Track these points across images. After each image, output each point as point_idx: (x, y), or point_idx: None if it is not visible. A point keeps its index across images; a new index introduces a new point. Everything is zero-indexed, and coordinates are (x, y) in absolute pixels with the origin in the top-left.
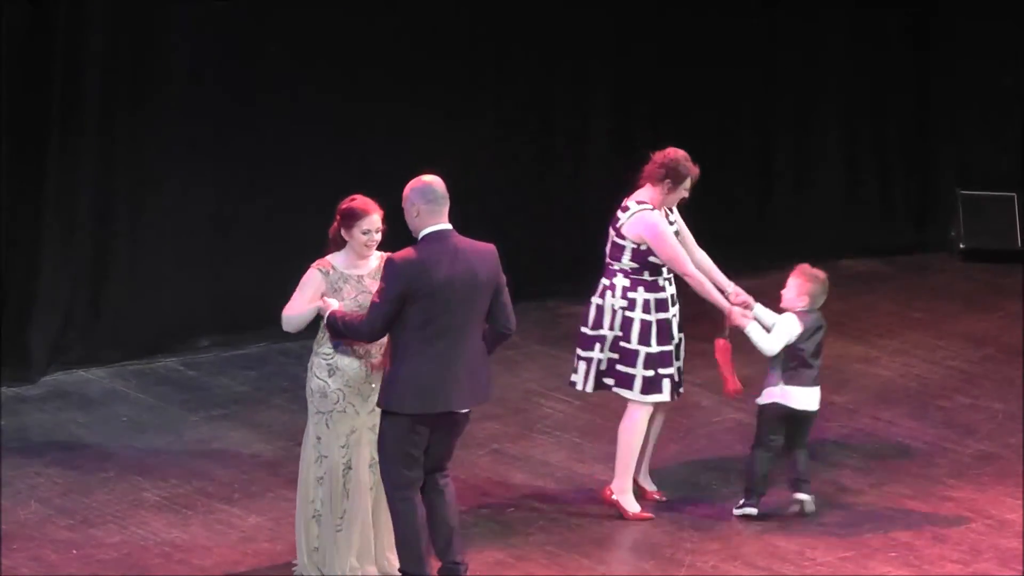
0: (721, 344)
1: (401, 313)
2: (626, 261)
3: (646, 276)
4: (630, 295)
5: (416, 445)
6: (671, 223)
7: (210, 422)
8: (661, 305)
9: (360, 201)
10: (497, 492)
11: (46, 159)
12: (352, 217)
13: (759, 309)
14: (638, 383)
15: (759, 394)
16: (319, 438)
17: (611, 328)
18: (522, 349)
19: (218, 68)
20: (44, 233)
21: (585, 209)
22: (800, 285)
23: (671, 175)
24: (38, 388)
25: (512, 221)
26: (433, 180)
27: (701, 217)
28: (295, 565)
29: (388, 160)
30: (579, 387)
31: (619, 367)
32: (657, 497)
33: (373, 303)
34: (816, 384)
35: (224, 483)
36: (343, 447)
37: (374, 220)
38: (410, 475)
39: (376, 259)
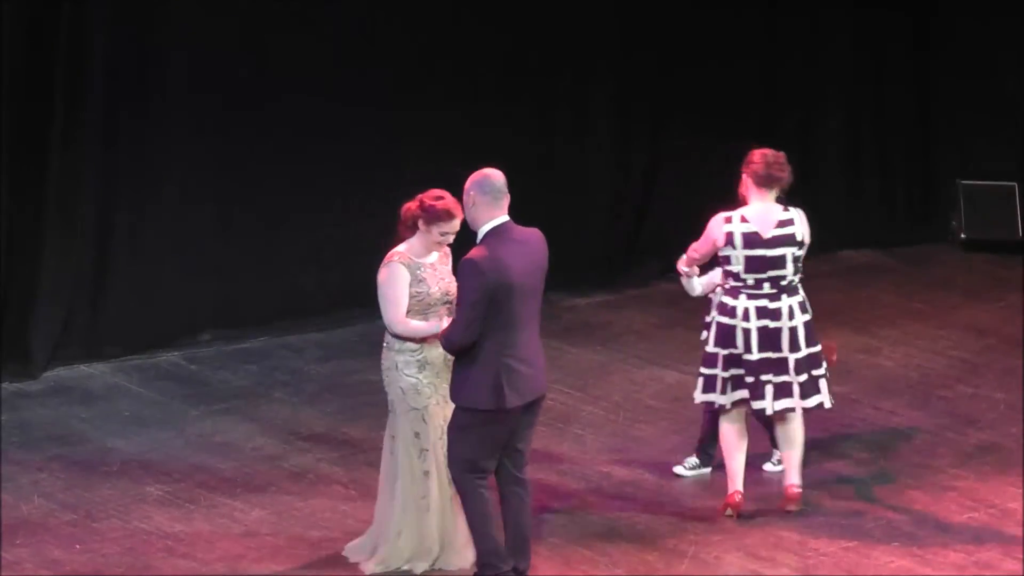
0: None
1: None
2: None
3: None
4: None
5: (495, 439)
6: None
7: (212, 416)
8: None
9: (449, 202)
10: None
11: (48, 152)
12: (437, 217)
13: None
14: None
15: None
16: (417, 434)
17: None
18: None
19: (220, 61)
20: (46, 228)
21: (585, 207)
22: None
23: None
24: (40, 384)
25: (515, 218)
26: (491, 172)
27: (701, 206)
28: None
29: (388, 153)
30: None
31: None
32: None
33: (460, 307)
34: None
35: (226, 477)
36: (441, 438)
37: (455, 225)
38: (486, 465)
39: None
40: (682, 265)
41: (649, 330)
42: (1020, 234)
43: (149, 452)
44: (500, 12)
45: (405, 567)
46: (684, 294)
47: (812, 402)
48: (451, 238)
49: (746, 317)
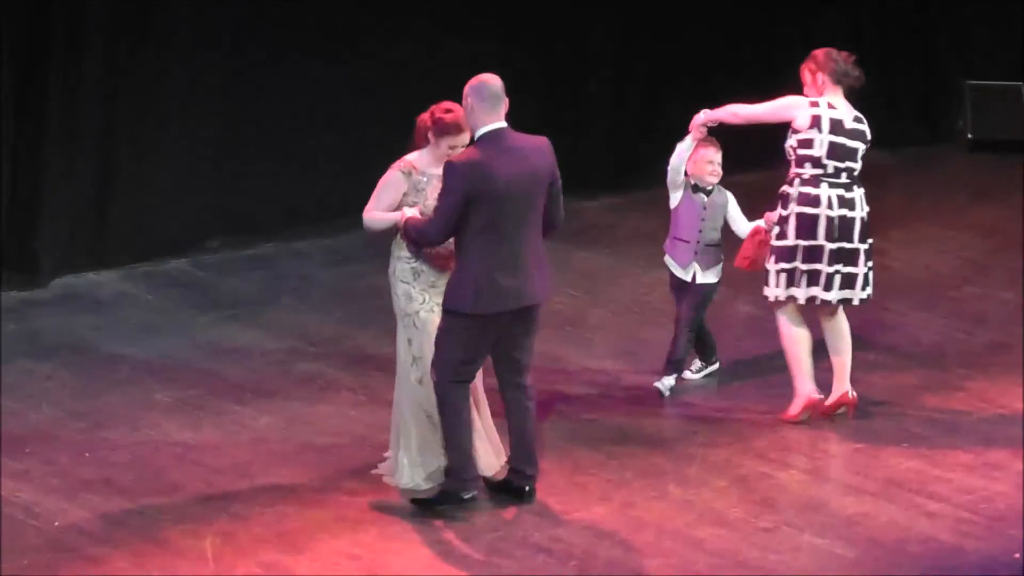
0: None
1: (464, 215)
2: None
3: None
4: None
5: (477, 345)
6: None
7: (220, 323)
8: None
9: (457, 115)
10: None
11: (51, 60)
12: (445, 130)
13: None
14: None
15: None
16: (410, 340)
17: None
18: None
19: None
20: (50, 136)
21: (591, 109)
22: None
23: (822, 70)
24: (47, 292)
25: (519, 121)
26: (488, 77)
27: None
28: (378, 470)
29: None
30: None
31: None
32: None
33: (437, 206)
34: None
35: (235, 384)
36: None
37: (464, 139)
38: (466, 370)
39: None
40: (706, 117)
41: (657, 232)
42: None
43: (157, 359)
44: None
45: (408, 483)
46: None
47: (865, 294)
48: (460, 151)
49: (830, 205)
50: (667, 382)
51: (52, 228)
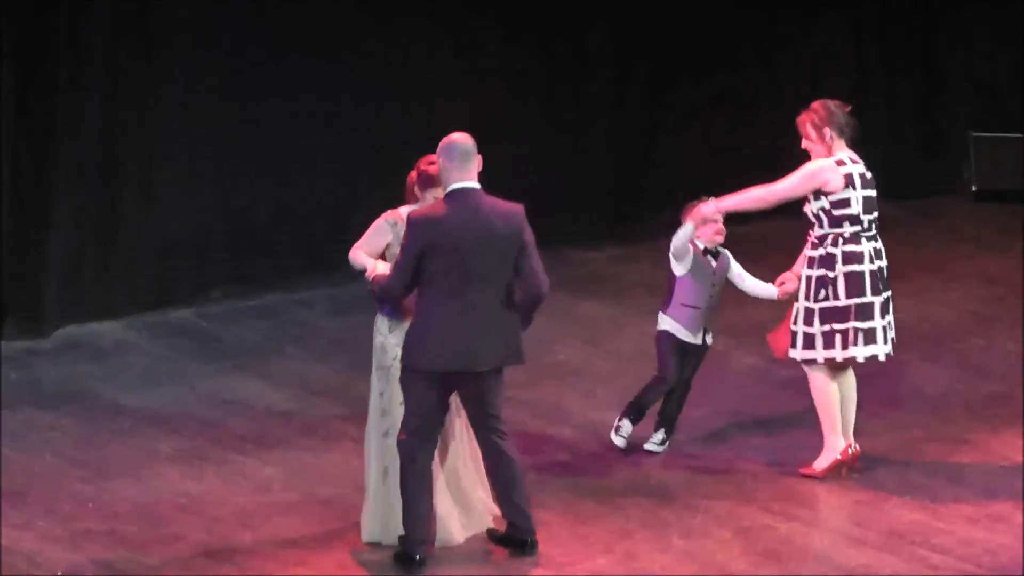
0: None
1: (422, 269)
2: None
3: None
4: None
5: (432, 401)
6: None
7: (223, 373)
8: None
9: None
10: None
11: (55, 113)
12: (428, 182)
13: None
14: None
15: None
16: (381, 393)
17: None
18: None
19: (228, 11)
20: (54, 187)
21: (594, 162)
22: None
23: (828, 124)
24: (50, 341)
25: (524, 171)
26: (458, 137)
27: (713, 148)
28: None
29: (402, 109)
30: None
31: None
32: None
33: (396, 259)
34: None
35: (238, 434)
36: (402, 403)
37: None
38: (422, 426)
39: None
40: (715, 208)
41: (659, 283)
42: None
43: (161, 409)
44: None
45: (367, 538)
46: None
47: (890, 346)
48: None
49: (871, 259)
50: (627, 428)
51: (55, 278)
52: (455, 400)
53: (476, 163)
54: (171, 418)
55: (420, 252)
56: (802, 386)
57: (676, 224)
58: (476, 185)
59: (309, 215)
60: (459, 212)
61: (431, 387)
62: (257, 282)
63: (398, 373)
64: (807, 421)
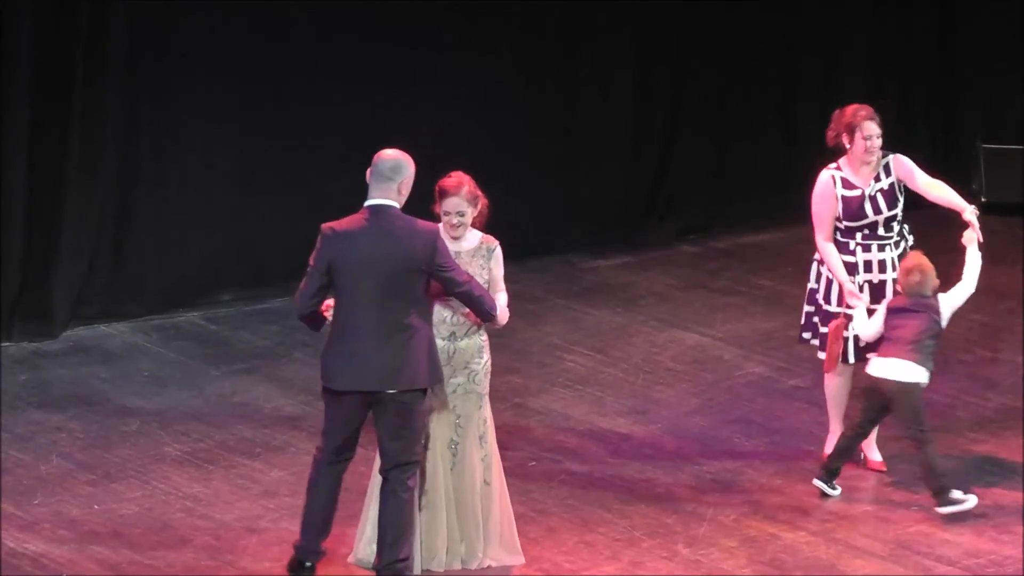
0: (832, 324)
1: (330, 283)
2: None
3: (837, 236)
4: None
5: (337, 419)
6: (878, 179)
7: (231, 377)
8: (849, 266)
9: (448, 180)
10: (519, 446)
11: (70, 117)
12: (437, 195)
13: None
14: (818, 340)
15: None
16: None
17: (808, 280)
18: (544, 303)
19: (240, 20)
20: (65, 191)
21: (607, 168)
22: (899, 276)
23: (847, 131)
24: (59, 343)
25: (535, 179)
26: (383, 153)
27: (727, 167)
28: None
29: (413, 113)
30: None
31: (814, 320)
32: (878, 468)
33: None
34: (900, 356)
35: (245, 438)
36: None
37: (453, 202)
38: (328, 444)
39: (477, 236)
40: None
41: (669, 292)
42: None
43: (168, 412)
44: None
45: (351, 559)
46: (704, 255)
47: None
48: (457, 218)
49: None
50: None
51: (64, 280)
52: (438, 431)
53: (401, 182)
54: (178, 421)
55: (326, 263)
56: (809, 396)
57: (688, 233)
58: (389, 203)
59: (319, 219)
60: (368, 229)
61: (336, 405)
62: (267, 286)
63: (475, 379)
64: (814, 431)
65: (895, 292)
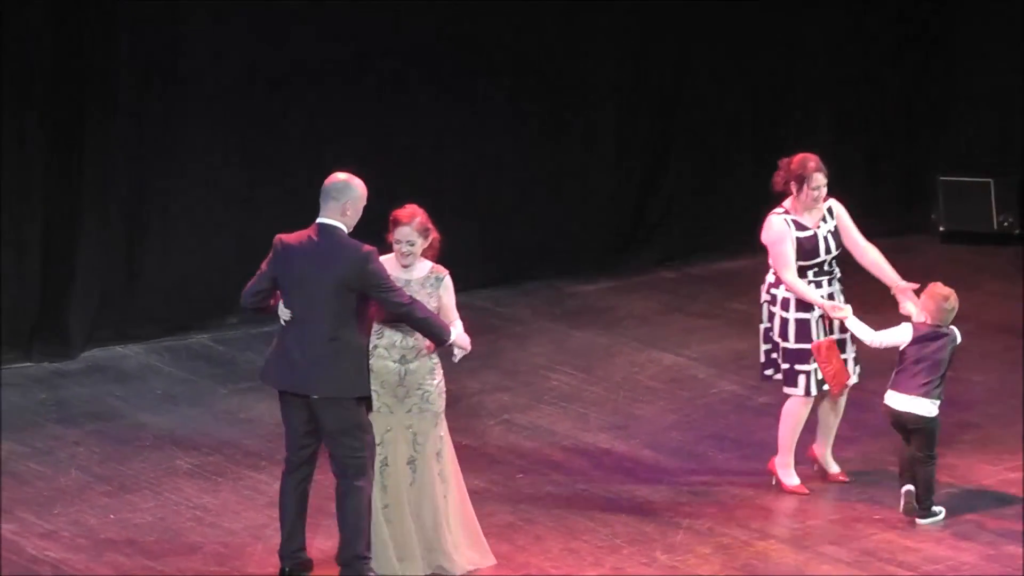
0: (814, 346)
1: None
2: (770, 260)
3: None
4: (772, 291)
5: (286, 420)
6: (824, 222)
7: (238, 394)
8: (801, 305)
9: (401, 210)
10: (507, 459)
11: (83, 150)
12: (391, 225)
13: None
14: (781, 375)
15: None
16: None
17: (761, 321)
18: (531, 325)
19: (244, 51)
20: (82, 221)
21: (592, 199)
22: (924, 303)
23: (794, 180)
24: (77, 363)
25: (522, 209)
26: (333, 176)
27: (704, 199)
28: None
29: (410, 145)
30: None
31: (773, 356)
32: (841, 479)
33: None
34: (922, 393)
35: (251, 451)
36: (379, 444)
37: (404, 231)
38: (288, 446)
39: (427, 266)
40: (831, 311)
41: (649, 315)
42: (995, 226)
43: (179, 428)
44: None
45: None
46: (682, 281)
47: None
48: (404, 247)
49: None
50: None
51: (81, 305)
52: (399, 449)
53: (346, 203)
54: (189, 436)
55: (271, 269)
56: (779, 412)
57: (666, 260)
58: (332, 222)
59: None
60: (307, 246)
61: (286, 406)
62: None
63: (376, 417)
64: None
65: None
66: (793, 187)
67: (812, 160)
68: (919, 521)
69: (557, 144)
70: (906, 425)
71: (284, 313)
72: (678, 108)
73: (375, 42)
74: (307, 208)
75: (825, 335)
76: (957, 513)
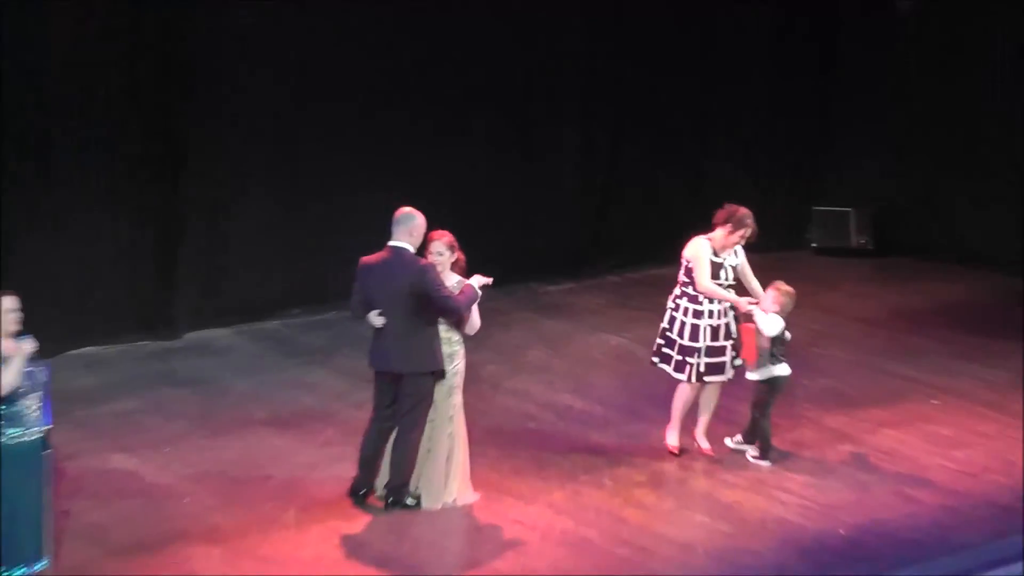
0: (743, 327)
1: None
2: (681, 274)
3: (689, 289)
4: (676, 301)
5: (376, 389)
6: (732, 256)
7: (300, 366)
8: (695, 313)
9: (435, 231)
10: (495, 413)
11: (177, 159)
12: (427, 241)
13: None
14: (671, 364)
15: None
16: (432, 391)
17: (662, 322)
18: (512, 316)
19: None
20: (184, 238)
21: (557, 223)
22: (775, 297)
23: (732, 222)
24: (181, 342)
25: (506, 230)
26: (400, 210)
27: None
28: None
29: (414, 178)
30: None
31: (664, 350)
32: (708, 454)
33: None
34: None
35: (309, 407)
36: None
37: (436, 245)
38: (375, 408)
39: (456, 279)
40: (743, 306)
41: (599, 308)
42: (852, 244)
43: (256, 390)
44: (492, 48)
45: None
46: (624, 283)
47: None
48: (435, 256)
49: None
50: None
51: (184, 298)
52: (442, 393)
53: (411, 228)
54: (263, 396)
55: (360, 284)
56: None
57: (615, 268)
58: (401, 244)
59: (358, 255)
60: (381, 262)
61: (379, 380)
62: (323, 303)
63: (446, 377)
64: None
65: (738, 322)
66: (730, 227)
67: (750, 217)
68: (760, 463)
69: (530, 179)
70: (782, 386)
71: (376, 320)
72: (624, 150)
73: (390, 88)
74: (344, 229)
75: (712, 335)
76: (823, 454)
